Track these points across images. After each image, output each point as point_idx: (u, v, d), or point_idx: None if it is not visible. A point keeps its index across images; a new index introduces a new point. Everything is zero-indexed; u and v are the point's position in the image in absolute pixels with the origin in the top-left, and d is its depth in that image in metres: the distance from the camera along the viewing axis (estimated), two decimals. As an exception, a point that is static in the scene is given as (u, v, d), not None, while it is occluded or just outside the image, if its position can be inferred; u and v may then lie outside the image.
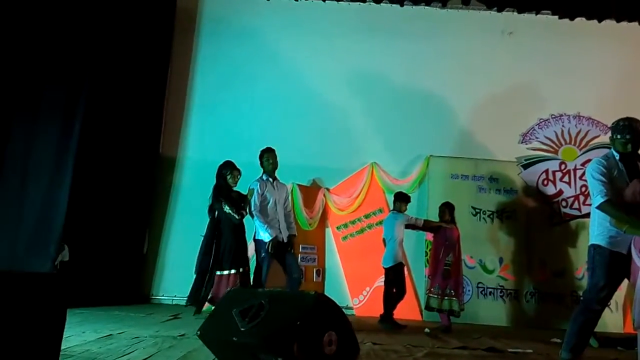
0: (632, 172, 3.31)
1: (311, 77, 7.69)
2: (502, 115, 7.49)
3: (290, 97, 7.66)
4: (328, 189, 7.54)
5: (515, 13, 7.68)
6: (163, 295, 7.16)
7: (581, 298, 3.51)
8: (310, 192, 7.47)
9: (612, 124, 3.57)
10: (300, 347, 2.29)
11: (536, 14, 7.61)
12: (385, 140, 7.57)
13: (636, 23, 7.42)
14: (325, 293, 6.87)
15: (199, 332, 2.66)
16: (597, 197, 3.27)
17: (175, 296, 7.00)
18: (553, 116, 7.51)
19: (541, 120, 7.55)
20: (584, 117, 7.55)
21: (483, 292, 7.14)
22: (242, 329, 2.34)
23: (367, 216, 7.44)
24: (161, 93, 7.60)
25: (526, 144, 7.51)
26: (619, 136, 3.42)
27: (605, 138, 7.43)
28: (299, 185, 7.26)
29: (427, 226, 6.21)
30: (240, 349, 2.35)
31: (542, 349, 4.44)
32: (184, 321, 5.03)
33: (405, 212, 6.20)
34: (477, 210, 7.33)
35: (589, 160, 7.53)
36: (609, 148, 7.69)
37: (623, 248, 3.21)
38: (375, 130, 7.59)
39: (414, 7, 7.76)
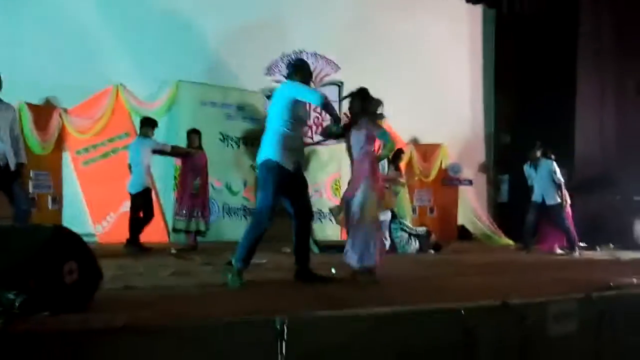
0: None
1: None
2: (250, 47, 7.79)
3: (18, 2, 6.48)
4: (65, 110, 6.83)
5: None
6: None
7: (253, 214, 3.76)
8: (43, 112, 6.65)
9: (294, 61, 4.06)
10: (37, 280, 2.22)
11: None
12: (132, 61, 7.14)
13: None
14: (64, 221, 6.51)
15: None
16: (317, 95, 3.61)
17: None
18: (294, 52, 8.16)
19: (284, 55, 8.12)
20: (320, 55, 8.42)
21: (228, 212, 7.70)
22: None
23: (111, 140, 7.06)
24: None
25: (271, 76, 8.05)
26: (302, 71, 3.81)
27: (336, 76, 8.50)
28: (28, 104, 6.38)
29: (175, 152, 6.28)
30: (-38, 289, 2.14)
31: (275, 258, 5.15)
32: None
33: (152, 137, 6.13)
34: (225, 137, 7.69)
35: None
36: (339, 85, 8.79)
37: (292, 167, 3.60)
38: (121, 50, 7.06)
39: None
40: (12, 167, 4.39)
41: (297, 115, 3.68)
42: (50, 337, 2.05)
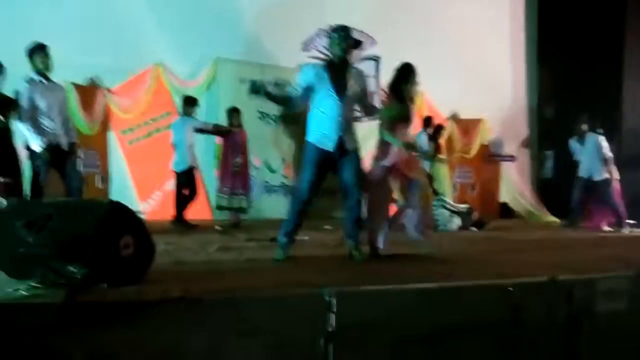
0: (339, 76, 3.77)
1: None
2: (286, 22, 7.71)
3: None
4: (109, 90, 7.00)
5: None
6: None
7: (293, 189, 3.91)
8: (88, 92, 6.83)
9: (332, 28, 3.96)
10: (96, 253, 2.32)
11: None
12: (171, 40, 7.22)
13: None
14: (111, 199, 6.71)
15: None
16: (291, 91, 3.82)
17: None
18: (330, 27, 8.01)
19: (320, 31, 8.01)
20: (355, 30, 8.26)
21: (268, 190, 7.79)
22: (31, 241, 2.25)
23: (154, 119, 7.21)
24: None
25: (307, 52, 7.97)
26: (337, 40, 3.82)
27: (371, 50, 8.35)
28: (74, 84, 6.57)
29: (216, 130, 6.37)
30: (30, 261, 2.26)
31: (317, 236, 5.20)
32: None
33: (194, 116, 6.22)
34: (263, 115, 7.73)
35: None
36: (376, 60, 8.64)
37: (329, 145, 3.67)
38: (159, 29, 7.14)
39: None
40: (65, 146, 4.55)
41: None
42: (110, 307, 2.15)
